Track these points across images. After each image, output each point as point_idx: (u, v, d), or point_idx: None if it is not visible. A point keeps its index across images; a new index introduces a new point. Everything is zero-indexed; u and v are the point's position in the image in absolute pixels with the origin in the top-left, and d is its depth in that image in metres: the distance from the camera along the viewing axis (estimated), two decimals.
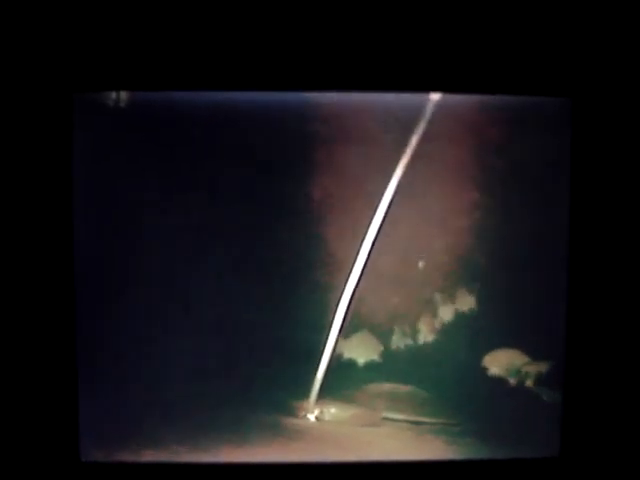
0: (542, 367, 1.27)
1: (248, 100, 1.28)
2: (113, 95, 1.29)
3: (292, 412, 1.29)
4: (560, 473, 1.25)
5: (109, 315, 1.31)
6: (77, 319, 1.29)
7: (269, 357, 1.28)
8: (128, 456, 1.30)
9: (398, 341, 1.28)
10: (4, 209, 1.26)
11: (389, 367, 1.28)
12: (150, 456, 1.30)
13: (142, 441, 1.31)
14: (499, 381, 1.27)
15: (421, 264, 1.28)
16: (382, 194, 1.28)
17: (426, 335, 1.28)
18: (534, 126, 1.27)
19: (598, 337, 1.24)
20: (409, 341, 1.28)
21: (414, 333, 1.28)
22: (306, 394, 1.28)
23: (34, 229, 1.26)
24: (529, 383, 1.27)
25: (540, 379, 1.27)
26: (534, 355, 1.27)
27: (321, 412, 1.28)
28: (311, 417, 1.28)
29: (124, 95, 1.29)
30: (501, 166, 1.27)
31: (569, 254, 1.25)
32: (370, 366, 1.28)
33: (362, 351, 1.27)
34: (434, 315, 1.28)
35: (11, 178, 1.26)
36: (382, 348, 1.28)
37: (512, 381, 1.27)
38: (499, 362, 1.26)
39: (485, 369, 1.27)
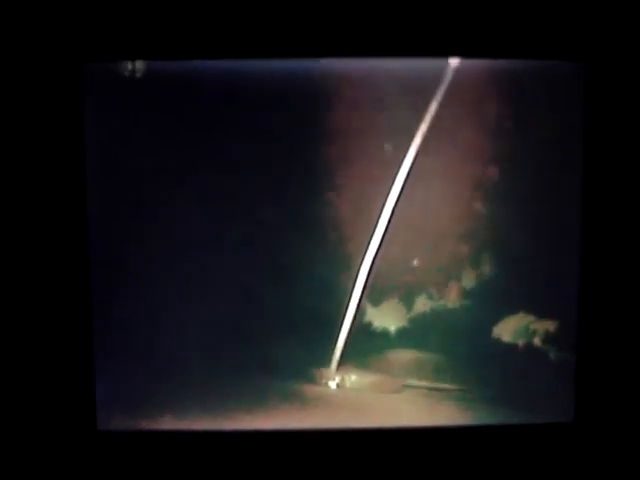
0: (557, 332, 1.28)
1: (263, 68, 1.27)
2: (124, 65, 1.28)
3: (313, 379, 1.30)
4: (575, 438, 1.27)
5: (124, 283, 1.30)
6: (92, 288, 1.28)
7: (289, 325, 1.29)
8: (145, 424, 1.30)
9: (419, 308, 1.29)
10: (16, 183, 1.24)
11: (410, 334, 1.29)
12: (167, 424, 1.30)
13: (159, 409, 1.31)
14: (515, 347, 1.28)
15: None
16: (401, 160, 1.28)
17: (447, 302, 1.28)
18: (548, 91, 1.27)
19: (611, 301, 1.26)
20: (430, 308, 1.28)
21: (435, 300, 1.28)
22: (327, 362, 1.29)
23: (47, 202, 1.25)
24: (544, 348, 1.28)
25: (555, 344, 1.28)
26: (549, 320, 1.29)
27: (342, 379, 1.29)
28: (332, 384, 1.29)
29: (135, 65, 1.28)
30: (515, 131, 1.28)
31: (582, 218, 1.26)
32: (391, 333, 1.28)
33: (385, 318, 1.28)
34: (456, 282, 1.29)
35: (21, 153, 1.24)
36: (403, 315, 1.28)
37: (528, 347, 1.28)
38: (516, 328, 1.27)
39: (502, 335, 1.28)
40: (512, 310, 1.29)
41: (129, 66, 1.28)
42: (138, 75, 1.28)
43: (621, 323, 1.25)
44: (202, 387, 1.30)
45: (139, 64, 1.28)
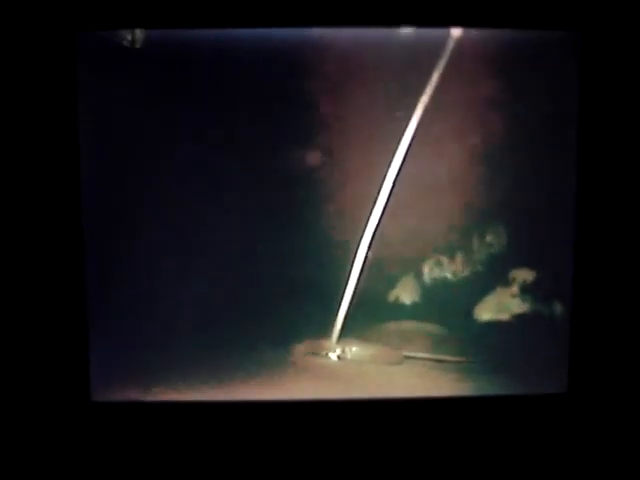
0: (552, 307, 1.30)
1: (264, 36, 1.24)
2: (119, 34, 1.24)
3: (314, 351, 1.29)
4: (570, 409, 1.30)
5: (118, 255, 1.28)
6: (85, 260, 1.25)
7: (289, 297, 1.28)
8: (139, 395, 1.29)
9: (420, 280, 1.29)
10: (10, 154, 1.21)
11: (410, 306, 1.29)
12: (163, 395, 1.29)
13: (154, 380, 1.29)
14: (511, 320, 1.30)
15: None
16: (403, 131, 1.27)
17: (448, 274, 1.29)
18: (544, 60, 1.27)
19: (605, 275, 1.28)
20: (431, 279, 1.29)
21: (436, 272, 1.29)
22: (328, 333, 1.29)
23: (40, 173, 1.22)
24: (539, 322, 1.30)
25: (549, 318, 1.30)
26: (545, 294, 1.30)
27: (343, 351, 1.29)
28: (333, 356, 1.29)
29: (131, 34, 1.24)
30: (513, 101, 1.28)
31: (577, 190, 1.28)
32: (392, 305, 1.29)
33: (386, 290, 1.28)
34: (458, 253, 1.29)
35: (15, 126, 1.21)
36: (404, 287, 1.28)
37: (523, 320, 1.30)
38: (512, 301, 1.29)
39: (498, 308, 1.30)
40: (509, 283, 1.30)
41: (125, 35, 1.24)
42: (134, 45, 1.25)
43: (614, 297, 1.28)
44: (199, 358, 1.29)
45: (135, 33, 1.24)
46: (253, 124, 1.26)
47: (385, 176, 1.27)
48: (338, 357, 1.29)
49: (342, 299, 1.28)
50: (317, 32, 1.25)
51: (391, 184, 1.27)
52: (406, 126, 1.27)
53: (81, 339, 1.25)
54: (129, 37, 1.25)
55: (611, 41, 1.24)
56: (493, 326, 1.30)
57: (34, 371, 1.24)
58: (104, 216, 1.26)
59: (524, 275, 1.29)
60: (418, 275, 1.29)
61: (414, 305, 1.29)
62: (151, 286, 1.28)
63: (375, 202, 1.28)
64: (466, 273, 1.29)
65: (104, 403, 1.28)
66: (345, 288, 1.28)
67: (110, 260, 1.27)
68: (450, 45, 1.25)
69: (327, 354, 1.29)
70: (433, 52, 1.26)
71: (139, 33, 1.24)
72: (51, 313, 1.24)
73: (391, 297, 1.29)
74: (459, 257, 1.29)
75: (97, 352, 1.27)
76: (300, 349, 1.29)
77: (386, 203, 1.27)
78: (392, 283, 1.29)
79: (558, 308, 1.30)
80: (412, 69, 1.27)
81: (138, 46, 1.25)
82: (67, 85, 1.22)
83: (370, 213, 1.28)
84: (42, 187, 1.23)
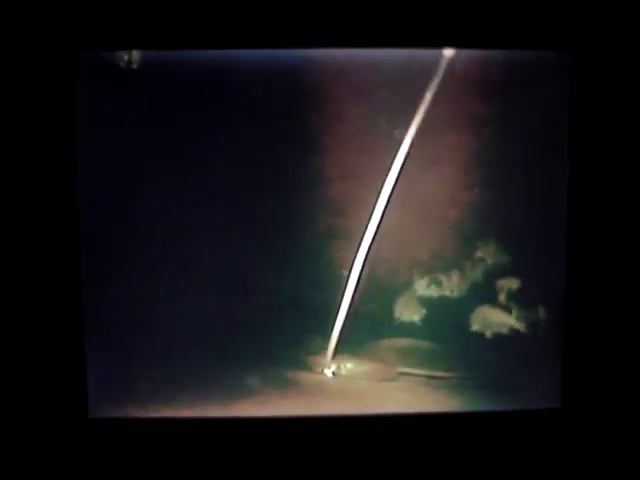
0: (545, 321, 1.31)
1: (254, 58, 1.26)
2: (119, 55, 1.26)
3: (309, 368, 1.30)
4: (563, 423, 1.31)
5: (115, 271, 1.28)
6: (83, 275, 1.26)
7: (284, 313, 1.29)
8: (136, 412, 1.29)
9: (415, 297, 1.30)
10: (8, 173, 1.22)
11: (405, 323, 1.30)
12: (159, 412, 1.29)
13: (150, 397, 1.30)
14: (505, 335, 1.31)
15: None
16: (396, 151, 1.29)
17: (443, 291, 1.30)
18: (536, 80, 1.29)
19: (598, 291, 1.29)
20: (426, 297, 1.30)
21: (431, 289, 1.30)
22: (323, 350, 1.30)
23: (38, 192, 1.24)
24: (532, 337, 1.31)
25: (543, 333, 1.31)
26: (538, 309, 1.31)
27: (338, 367, 1.30)
28: (328, 372, 1.30)
29: (130, 56, 1.26)
30: (504, 121, 1.29)
31: (569, 206, 1.29)
32: (387, 322, 1.30)
33: (381, 307, 1.29)
34: (453, 271, 1.30)
35: (13, 145, 1.22)
36: (399, 304, 1.30)
37: (516, 335, 1.31)
38: (505, 317, 1.30)
39: (492, 324, 1.31)
40: (500, 298, 1.31)
41: (124, 57, 1.26)
42: (133, 66, 1.27)
43: (607, 310, 1.29)
44: (194, 375, 1.30)
45: (134, 54, 1.26)
46: (248, 142, 1.28)
47: (379, 194, 1.29)
48: (333, 373, 1.30)
49: (337, 316, 1.29)
50: (312, 53, 1.27)
51: (385, 202, 1.29)
52: (400, 145, 1.28)
53: (78, 355, 1.26)
54: (126, 58, 1.26)
55: (602, 62, 1.26)
56: (486, 342, 1.31)
57: (30, 387, 1.25)
58: (101, 232, 1.27)
59: (515, 290, 1.30)
60: (412, 292, 1.30)
61: (408, 322, 1.30)
62: (148, 303, 1.29)
63: (370, 219, 1.29)
64: (459, 289, 1.31)
65: (101, 420, 1.28)
66: (340, 305, 1.29)
67: (107, 276, 1.28)
68: (443, 66, 1.27)
69: (322, 370, 1.30)
70: (426, 73, 1.28)
71: (136, 54, 1.26)
72: (48, 328, 1.24)
73: (386, 314, 1.30)
74: (452, 274, 1.30)
75: (94, 368, 1.28)
76: (296, 365, 1.29)
77: (380, 220, 1.29)
78: (387, 300, 1.30)
79: (550, 323, 1.31)
80: (405, 89, 1.28)
81: (135, 67, 1.26)
82: (65, 105, 1.23)
83: (365, 230, 1.29)
84: (39, 206, 1.24)
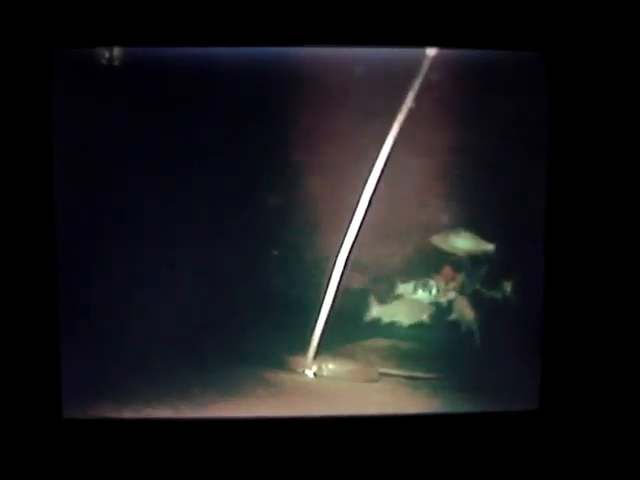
0: (523, 323, 1.32)
1: (240, 55, 1.25)
2: (95, 51, 1.24)
3: (290, 368, 1.30)
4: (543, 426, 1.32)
5: (91, 268, 1.26)
6: (58, 276, 1.24)
7: (265, 313, 1.28)
8: (111, 413, 1.27)
9: (396, 297, 1.31)
10: None
11: (386, 323, 1.30)
12: (135, 413, 1.27)
13: (126, 398, 1.28)
14: (484, 337, 1.32)
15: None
16: (379, 149, 1.29)
17: (424, 291, 1.30)
18: (514, 80, 1.31)
19: (576, 292, 1.30)
20: (407, 297, 1.30)
21: (413, 289, 1.30)
22: (304, 350, 1.29)
23: (12, 191, 1.21)
24: (512, 339, 1.32)
25: (521, 335, 1.32)
26: (516, 311, 1.32)
27: (319, 368, 1.29)
28: (309, 373, 1.29)
29: (106, 51, 1.24)
30: (484, 120, 1.30)
31: (547, 206, 1.30)
32: (368, 322, 1.30)
33: (362, 307, 1.29)
34: (433, 272, 1.31)
35: None
36: (380, 304, 1.30)
37: (495, 337, 1.32)
38: (484, 318, 1.31)
39: (472, 325, 1.31)
40: (480, 300, 1.32)
41: (101, 53, 1.24)
42: (111, 62, 1.25)
43: (587, 313, 1.30)
44: (172, 375, 1.28)
45: (112, 50, 1.24)
46: (229, 141, 1.27)
47: (362, 193, 1.29)
48: (314, 374, 1.30)
49: (318, 316, 1.28)
50: (293, 51, 1.27)
51: (368, 201, 1.28)
52: (382, 144, 1.28)
53: (52, 352, 1.23)
54: (106, 54, 1.24)
55: (578, 62, 1.27)
56: (465, 343, 1.31)
57: (3, 386, 1.22)
58: (78, 230, 1.25)
59: (497, 293, 1.31)
60: (393, 292, 1.30)
61: (389, 323, 1.30)
62: (124, 303, 1.27)
63: (352, 219, 1.29)
64: (439, 290, 1.31)
65: (76, 420, 1.26)
66: (321, 305, 1.28)
67: (83, 273, 1.26)
68: (426, 65, 1.28)
69: (303, 371, 1.29)
70: (408, 72, 1.28)
71: (117, 50, 1.24)
72: (23, 328, 1.22)
73: (367, 315, 1.30)
74: (434, 275, 1.30)
75: (69, 366, 1.25)
76: (276, 366, 1.28)
77: (363, 220, 1.29)
78: (368, 301, 1.29)
79: (530, 325, 1.31)
80: (387, 88, 1.28)
81: (116, 64, 1.24)
82: (40, 103, 1.21)
83: (347, 230, 1.29)
84: (14, 204, 1.21)
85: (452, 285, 1.30)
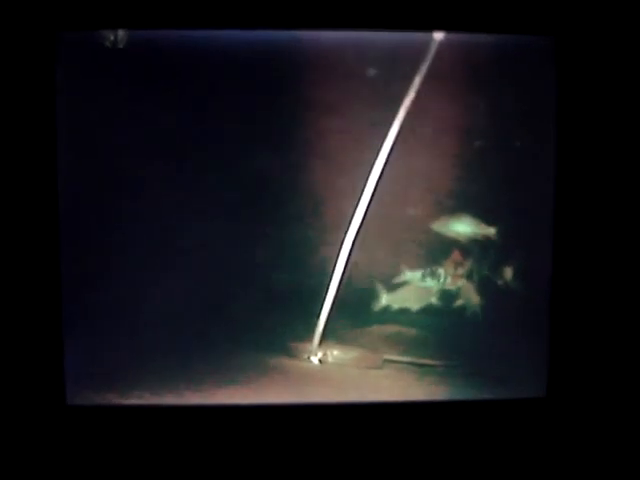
0: (531, 311, 1.31)
1: (241, 39, 1.24)
2: (100, 35, 1.23)
3: (295, 354, 1.28)
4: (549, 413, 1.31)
5: (94, 257, 1.25)
6: (62, 263, 1.23)
7: (270, 300, 1.27)
8: (115, 399, 1.26)
9: (401, 284, 1.29)
10: None
11: (391, 309, 1.29)
12: (138, 399, 1.27)
13: (130, 384, 1.27)
14: (492, 324, 1.30)
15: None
16: (384, 136, 1.27)
17: (431, 278, 1.29)
18: (523, 64, 1.29)
19: (584, 280, 1.29)
20: (413, 284, 1.29)
21: (419, 276, 1.29)
22: (310, 336, 1.28)
23: (16, 177, 1.21)
24: (518, 326, 1.31)
25: (529, 323, 1.31)
26: (524, 299, 1.31)
27: (324, 354, 1.28)
28: (314, 359, 1.28)
29: (111, 34, 1.23)
30: (492, 105, 1.29)
31: (555, 192, 1.29)
32: (373, 308, 1.29)
33: (368, 293, 1.28)
34: (437, 256, 1.30)
35: None
36: (386, 290, 1.28)
37: (503, 324, 1.30)
38: (492, 304, 1.29)
39: (479, 311, 1.30)
40: (487, 287, 1.31)
41: (106, 36, 1.23)
42: (115, 46, 1.23)
43: (594, 301, 1.29)
44: (176, 361, 1.27)
45: (116, 34, 1.23)
46: (234, 128, 1.26)
47: (368, 178, 1.27)
48: (319, 361, 1.28)
49: (324, 302, 1.27)
50: (299, 35, 1.25)
51: (373, 187, 1.27)
52: (388, 130, 1.27)
53: (56, 339, 1.23)
54: (111, 37, 1.23)
55: (586, 46, 1.26)
56: (472, 329, 1.30)
57: (6, 373, 1.21)
58: (80, 219, 1.25)
59: (503, 280, 1.30)
60: (400, 279, 1.28)
61: (395, 309, 1.29)
62: (127, 290, 1.26)
63: (357, 205, 1.27)
64: (446, 277, 1.30)
65: (80, 407, 1.25)
66: (327, 291, 1.27)
67: (86, 262, 1.25)
68: (433, 49, 1.26)
69: (309, 357, 1.28)
70: (415, 56, 1.27)
71: (121, 33, 1.23)
72: (26, 315, 1.22)
73: (372, 301, 1.28)
74: (442, 260, 1.29)
75: (72, 353, 1.25)
76: (281, 352, 1.27)
77: (368, 206, 1.27)
78: (373, 287, 1.28)
79: (537, 312, 1.31)
80: (395, 72, 1.27)
81: (121, 46, 1.23)
82: (44, 87, 1.20)
83: (352, 216, 1.28)
84: (17, 191, 1.21)
85: (460, 271, 1.28)
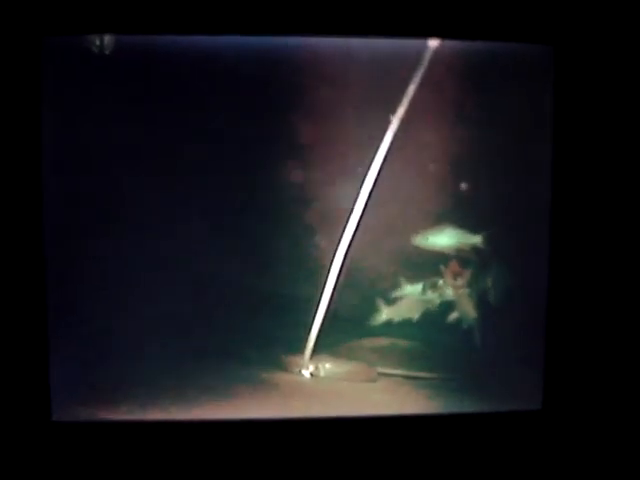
0: (526, 323, 1.29)
1: (232, 45, 1.22)
2: (87, 39, 1.21)
3: (286, 368, 1.27)
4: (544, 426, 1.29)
5: (81, 269, 1.23)
6: (48, 275, 1.20)
7: (261, 312, 1.25)
8: (102, 415, 1.24)
9: (394, 297, 1.28)
10: None
11: (384, 322, 1.28)
12: (126, 415, 1.24)
13: (116, 400, 1.25)
14: (487, 337, 1.29)
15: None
16: (379, 143, 1.26)
17: (424, 291, 1.28)
18: (519, 73, 1.28)
19: (579, 290, 1.28)
20: (406, 297, 1.28)
21: (412, 289, 1.28)
22: (301, 349, 1.26)
23: (2, 183, 1.17)
24: (514, 339, 1.30)
25: (524, 335, 1.30)
26: (519, 311, 1.30)
27: (316, 368, 1.26)
28: (306, 373, 1.26)
29: (97, 39, 1.21)
30: (488, 114, 1.28)
31: (552, 200, 1.27)
32: (366, 321, 1.27)
33: (360, 306, 1.26)
34: (430, 269, 1.28)
35: None
36: (378, 303, 1.27)
37: (498, 337, 1.29)
38: (486, 317, 1.28)
39: (474, 324, 1.28)
40: (482, 300, 1.30)
41: (92, 41, 1.21)
42: (102, 51, 1.22)
43: (589, 313, 1.28)
44: (165, 375, 1.25)
45: (103, 39, 1.21)
46: (226, 135, 1.24)
47: (360, 189, 1.26)
48: (311, 374, 1.27)
49: (315, 315, 1.26)
50: (293, 41, 1.23)
51: (366, 198, 1.25)
52: (382, 137, 1.26)
53: (41, 357, 1.20)
54: (98, 42, 1.21)
55: (584, 55, 1.25)
56: (467, 342, 1.29)
57: None
58: (67, 228, 1.22)
59: (499, 292, 1.28)
60: (392, 292, 1.27)
61: (388, 322, 1.27)
62: (115, 301, 1.24)
63: (350, 215, 1.26)
64: (440, 290, 1.28)
65: (65, 423, 1.22)
66: (319, 304, 1.26)
67: (73, 274, 1.23)
68: (427, 56, 1.25)
69: (300, 371, 1.27)
70: (410, 63, 1.25)
71: (108, 38, 1.21)
72: (11, 330, 1.19)
73: (365, 314, 1.27)
74: (434, 274, 1.27)
75: (58, 367, 1.22)
76: (272, 366, 1.25)
77: (360, 218, 1.26)
78: (366, 299, 1.27)
79: (533, 324, 1.29)
80: (388, 80, 1.25)
81: (107, 52, 1.21)
82: (31, 91, 1.17)
83: (345, 227, 1.26)
84: (2, 196, 1.17)
85: (460, 281, 1.27)
